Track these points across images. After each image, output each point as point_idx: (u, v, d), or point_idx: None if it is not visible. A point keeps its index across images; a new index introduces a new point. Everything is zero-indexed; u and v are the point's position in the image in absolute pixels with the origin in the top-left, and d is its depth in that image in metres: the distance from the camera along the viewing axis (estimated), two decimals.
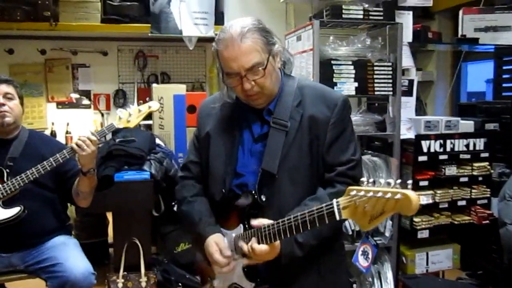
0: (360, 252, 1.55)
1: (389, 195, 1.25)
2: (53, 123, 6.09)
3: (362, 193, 1.31)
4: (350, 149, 1.75)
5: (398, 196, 1.23)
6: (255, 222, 1.64)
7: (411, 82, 3.35)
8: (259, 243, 1.62)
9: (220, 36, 1.71)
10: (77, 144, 2.49)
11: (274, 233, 1.58)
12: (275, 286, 1.76)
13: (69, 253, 2.67)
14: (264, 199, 1.70)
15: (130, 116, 2.66)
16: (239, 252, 1.73)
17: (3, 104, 2.68)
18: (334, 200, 1.40)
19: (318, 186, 1.75)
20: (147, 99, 2.84)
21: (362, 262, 1.57)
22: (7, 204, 2.60)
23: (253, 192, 1.71)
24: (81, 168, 2.59)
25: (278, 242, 1.62)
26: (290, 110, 1.73)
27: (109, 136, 3.19)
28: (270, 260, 1.66)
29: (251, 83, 1.66)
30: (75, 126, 6.11)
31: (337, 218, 1.39)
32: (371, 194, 1.29)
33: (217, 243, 1.76)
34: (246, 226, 1.72)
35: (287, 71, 1.86)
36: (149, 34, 5.43)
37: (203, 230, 1.82)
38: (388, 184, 1.27)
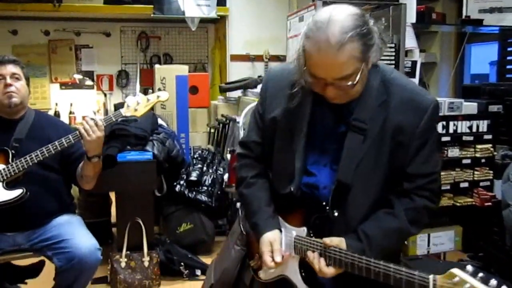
0: None
1: None
2: (56, 104, 6.11)
3: (468, 285, 1.15)
4: (433, 160, 1.58)
5: None
6: (328, 241, 1.50)
7: (414, 63, 3.33)
8: (326, 262, 1.50)
9: (313, 32, 1.41)
10: (84, 129, 2.49)
11: (346, 263, 1.45)
12: None
13: (74, 230, 2.68)
14: (336, 214, 1.56)
15: (138, 104, 2.61)
16: (298, 253, 1.63)
17: (10, 85, 2.65)
18: (431, 277, 1.24)
19: (390, 194, 1.59)
20: (157, 89, 2.80)
21: None
22: (11, 186, 2.59)
23: (325, 205, 1.57)
24: (86, 153, 2.59)
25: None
26: (372, 110, 1.53)
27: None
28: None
29: (336, 90, 1.46)
30: (78, 106, 6.13)
31: None
32: None
33: (272, 244, 1.65)
34: (311, 234, 1.61)
35: (374, 60, 1.53)
36: (152, 15, 5.42)
37: (261, 222, 1.70)
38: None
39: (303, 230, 1.63)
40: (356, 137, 1.53)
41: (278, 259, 1.62)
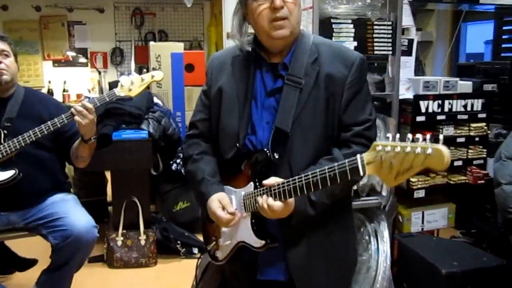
0: None
1: (419, 149, 1.19)
2: (49, 82, 6.06)
3: (388, 148, 1.26)
4: (367, 109, 1.71)
5: (429, 151, 1.17)
6: (267, 181, 1.60)
7: (410, 41, 3.31)
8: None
9: None
10: (76, 113, 2.45)
11: (289, 190, 1.53)
12: (284, 243, 1.72)
13: (69, 208, 2.67)
14: (277, 157, 1.65)
15: (132, 84, 2.57)
16: (248, 209, 1.70)
17: (0, 62, 2.61)
18: (358, 155, 1.35)
19: (331, 146, 1.70)
20: (152, 68, 2.77)
21: None
22: (3, 166, 2.57)
23: (266, 150, 1.66)
24: (82, 137, 2.56)
25: (292, 200, 1.58)
26: (305, 67, 1.68)
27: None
28: (281, 218, 1.63)
29: (281, 1, 1.58)
30: (72, 84, 6.08)
31: (361, 173, 1.34)
32: (398, 149, 1.23)
33: (220, 201, 1.72)
34: (257, 184, 1.68)
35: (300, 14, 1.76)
36: None
37: (205, 189, 1.78)
38: (417, 140, 1.22)
39: (250, 185, 1.70)
40: (292, 91, 1.67)
41: (231, 209, 1.70)
